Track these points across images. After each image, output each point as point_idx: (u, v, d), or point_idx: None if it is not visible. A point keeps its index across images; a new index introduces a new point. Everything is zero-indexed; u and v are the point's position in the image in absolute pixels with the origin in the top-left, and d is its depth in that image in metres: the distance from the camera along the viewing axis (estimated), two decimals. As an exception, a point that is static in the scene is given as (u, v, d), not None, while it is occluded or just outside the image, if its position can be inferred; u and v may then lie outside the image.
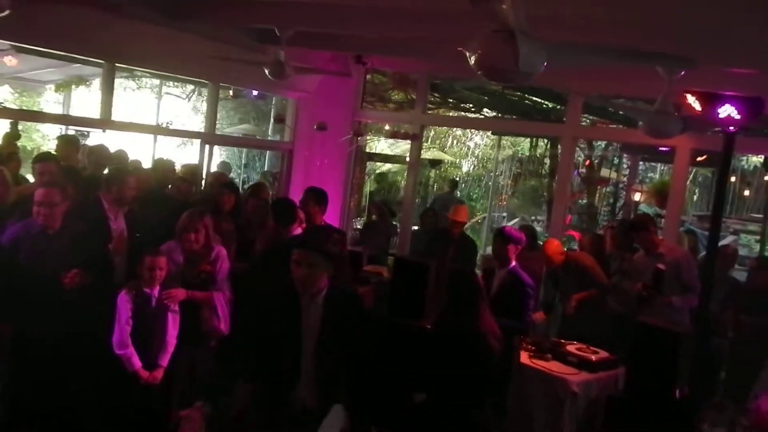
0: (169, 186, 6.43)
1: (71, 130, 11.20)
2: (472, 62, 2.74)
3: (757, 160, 14.14)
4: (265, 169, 13.40)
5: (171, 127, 12.27)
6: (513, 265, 5.31)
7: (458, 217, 7.12)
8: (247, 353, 3.97)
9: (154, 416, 4.40)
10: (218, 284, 4.67)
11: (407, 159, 9.24)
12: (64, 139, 6.37)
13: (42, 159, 5.19)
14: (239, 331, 4.74)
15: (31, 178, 5.47)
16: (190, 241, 4.54)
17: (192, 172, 7.34)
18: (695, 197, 16.75)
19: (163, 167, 6.81)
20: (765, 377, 5.98)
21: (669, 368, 4.57)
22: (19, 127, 7.80)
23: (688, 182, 7.21)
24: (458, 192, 14.23)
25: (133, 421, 4.34)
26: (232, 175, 10.82)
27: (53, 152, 6.09)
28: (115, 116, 7.59)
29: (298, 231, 5.17)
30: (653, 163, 15.82)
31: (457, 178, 15.19)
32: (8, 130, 6.12)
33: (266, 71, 6.04)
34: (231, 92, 11.67)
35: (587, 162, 12.90)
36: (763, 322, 6.12)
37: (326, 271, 3.55)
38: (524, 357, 5.40)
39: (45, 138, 12.58)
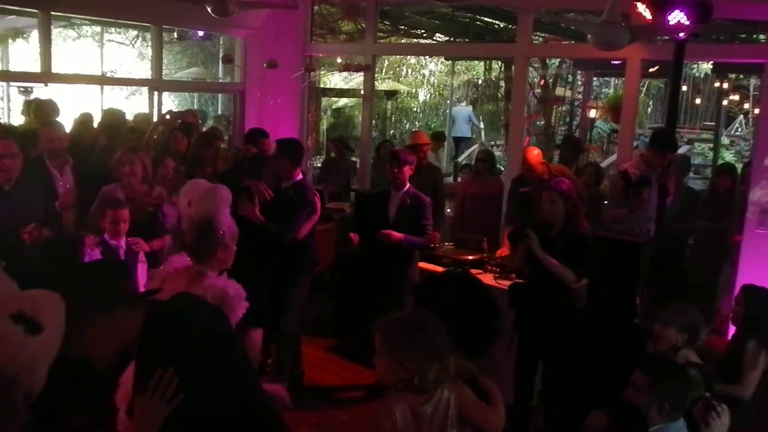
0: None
1: (12, 87, 10.84)
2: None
3: (706, 67, 14.27)
4: (219, 113, 13.15)
5: (116, 76, 11.91)
6: (408, 186, 5.35)
7: (419, 140, 7.01)
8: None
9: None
10: (169, 228, 4.74)
11: (362, 92, 9.13)
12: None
13: None
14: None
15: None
16: (127, 174, 4.57)
17: (143, 122, 7.17)
18: (650, 110, 16.94)
19: (112, 118, 6.64)
20: (723, 282, 6.22)
21: (629, 277, 4.71)
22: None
23: (641, 95, 7.22)
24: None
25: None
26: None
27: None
28: (57, 68, 7.32)
29: (300, 176, 5.16)
30: (607, 78, 15.90)
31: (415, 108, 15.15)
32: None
33: (209, 9, 5.85)
34: (175, 35, 11.31)
35: (542, 81, 12.88)
36: (721, 227, 6.32)
37: None
38: (489, 279, 5.53)
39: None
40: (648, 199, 5.43)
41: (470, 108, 15.07)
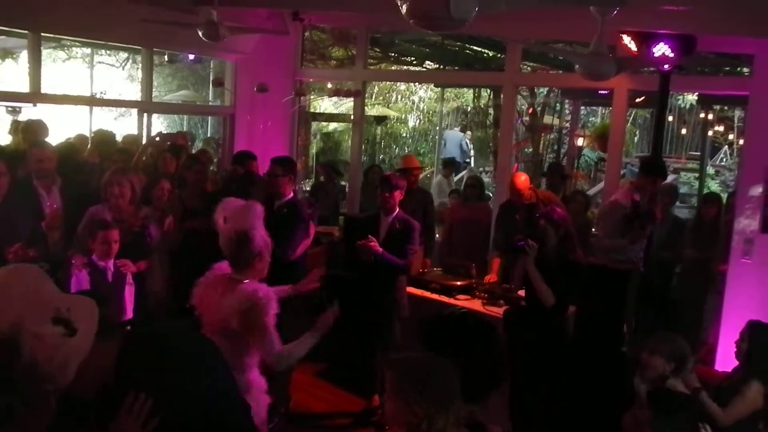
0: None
1: (1, 106, 10.81)
2: (404, 11, 2.71)
3: (691, 98, 14.46)
4: (208, 135, 13.16)
5: (106, 97, 11.92)
6: (398, 211, 5.33)
7: (411, 164, 7.08)
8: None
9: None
10: (154, 248, 4.72)
11: (352, 117, 9.18)
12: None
13: None
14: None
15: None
16: (115, 196, 4.54)
17: (132, 143, 7.17)
18: (636, 139, 17.11)
19: (103, 138, 6.66)
20: (709, 312, 6.25)
21: (617, 305, 4.73)
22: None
23: (628, 124, 7.30)
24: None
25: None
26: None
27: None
28: (46, 89, 7.31)
29: (292, 194, 5.26)
30: (594, 107, 16.06)
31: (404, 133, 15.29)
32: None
33: (200, 33, 5.87)
34: (166, 57, 11.35)
35: (530, 110, 13.00)
36: (708, 256, 6.36)
37: None
38: (477, 305, 5.53)
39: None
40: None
41: (462, 134, 15.22)
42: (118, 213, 4.59)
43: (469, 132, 15.46)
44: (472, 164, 15.13)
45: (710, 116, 14.09)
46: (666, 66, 5.57)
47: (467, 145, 14.86)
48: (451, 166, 11.18)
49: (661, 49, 5.32)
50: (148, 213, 4.87)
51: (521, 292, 5.10)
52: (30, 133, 5.61)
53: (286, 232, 4.97)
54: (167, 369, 1.84)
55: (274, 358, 3.29)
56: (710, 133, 14.63)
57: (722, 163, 16.54)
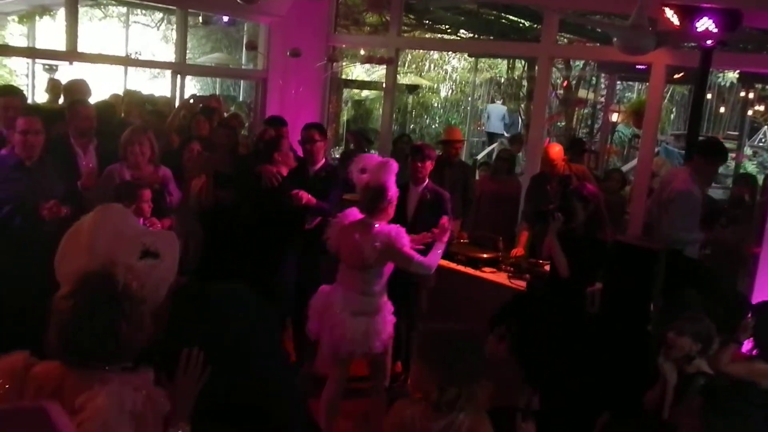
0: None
1: (38, 64, 10.94)
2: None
3: (732, 76, 14.11)
4: (240, 99, 13.20)
5: (140, 58, 11.99)
6: (428, 182, 5.25)
7: (453, 136, 7.01)
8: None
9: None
10: (175, 209, 4.84)
11: (384, 85, 9.12)
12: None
13: (6, 93, 5.03)
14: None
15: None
16: (135, 154, 4.60)
17: (165, 104, 7.22)
18: (672, 116, 16.79)
19: (140, 98, 6.72)
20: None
21: (644, 284, 4.68)
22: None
23: (665, 101, 7.15)
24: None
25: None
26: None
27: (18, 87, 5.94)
28: (82, 47, 7.37)
29: (324, 160, 5.48)
30: (630, 83, 15.76)
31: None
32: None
33: (234, -5, 5.87)
34: (200, 19, 11.36)
35: (565, 83, 12.80)
36: (738, 236, 6.27)
37: None
38: (503, 278, 5.52)
39: (12, 73, 12.26)
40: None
41: (504, 107, 15.09)
42: (137, 171, 4.62)
43: (522, 105, 15.28)
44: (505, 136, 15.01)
45: (751, 95, 13.75)
46: (708, 42, 5.42)
47: (508, 118, 14.71)
48: (520, 141, 11.01)
49: (705, 24, 5.16)
50: (167, 172, 4.89)
51: (548, 267, 5.09)
52: (74, 92, 5.67)
53: (328, 193, 5.21)
54: (210, 332, 1.95)
55: (419, 268, 4.09)
56: (750, 112, 14.30)
57: (761, 144, 16.18)
